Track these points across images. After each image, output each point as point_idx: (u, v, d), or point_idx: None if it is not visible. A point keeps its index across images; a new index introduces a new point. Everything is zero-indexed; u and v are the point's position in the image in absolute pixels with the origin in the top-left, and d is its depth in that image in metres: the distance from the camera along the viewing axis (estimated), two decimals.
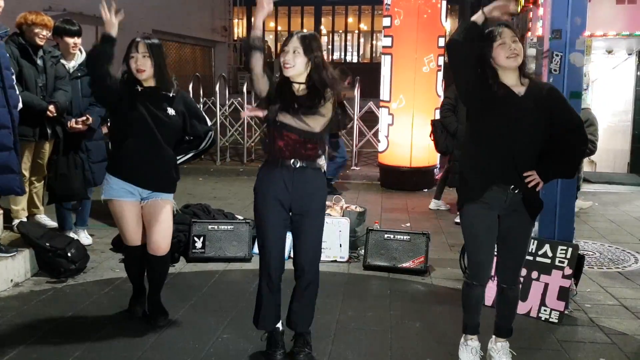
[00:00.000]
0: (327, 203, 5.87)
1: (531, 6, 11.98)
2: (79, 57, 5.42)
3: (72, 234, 5.43)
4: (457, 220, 6.50)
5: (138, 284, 4.15)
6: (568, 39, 4.27)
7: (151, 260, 3.93)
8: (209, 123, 4.10)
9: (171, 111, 3.81)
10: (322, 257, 5.29)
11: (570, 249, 4.26)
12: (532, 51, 9.99)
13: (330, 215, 5.61)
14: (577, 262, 4.32)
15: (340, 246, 5.43)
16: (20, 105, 4.57)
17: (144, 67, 3.71)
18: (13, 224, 5.31)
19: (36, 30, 5.04)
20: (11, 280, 4.61)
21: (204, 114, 4.13)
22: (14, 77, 4.62)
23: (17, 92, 4.58)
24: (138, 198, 3.86)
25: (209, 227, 5.44)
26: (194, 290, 4.66)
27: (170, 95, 3.83)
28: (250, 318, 4.15)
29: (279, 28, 31.31)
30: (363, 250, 5.36)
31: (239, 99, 11.37)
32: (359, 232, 5.69)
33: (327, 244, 5.39)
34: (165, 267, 4.09)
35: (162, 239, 3.91)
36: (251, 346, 3.72)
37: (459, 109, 6.36)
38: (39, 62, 5.14)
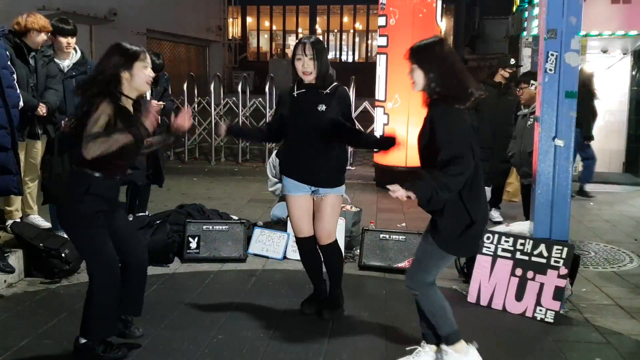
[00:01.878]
0: None
1: (527, 5, 12.00)
2: (74, 56, 5.39)
3: (65, 235, 5.39)
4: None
5: (313, 280, 4.28)
6: (563, 39, 4.26)
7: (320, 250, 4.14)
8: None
9: (322, 107, 3.89)
10: None
11: (565, 249, 4.26)
12: (527, 50, 10.02)
13: None
14: (573, 262, 4.32)
15: None
16: (21, 104, 4.55)
17: (310, 69, 3.85)
18: (7, 224, 5.28)
19: (43, 36, 5.03)
20: (5, 281, 4.58)
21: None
22: (14, 76, 4.59)
23: (18, 92, 4.55)
24: (308, 192, 4.02)
25: (204, 227, 5.42)
26: (189, 291, 4.64)
27: (325, 92, 3.92)
28: (246, 318, 4.14)
29: (274, 27, 31.31)
30: (358, 250, 5.35)
31: (234, 98, 11.35)
32: (355, 232, 5.68)
33: None
34: (334, 256, 4.19)
35: (321, 230, 4.06)
36: (246, 347, 3.71)
37: (481, 108, 6.32)
38: (31, 61, 5.12)
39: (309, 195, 4.04)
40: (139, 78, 3.35)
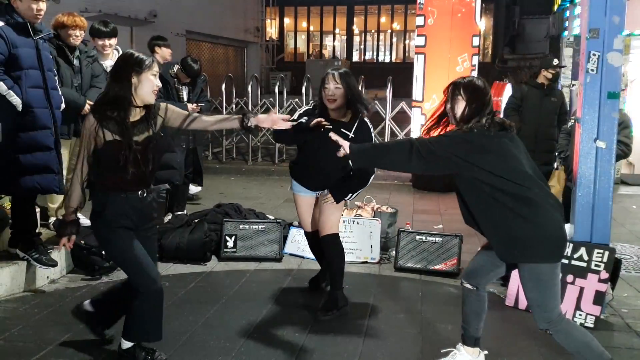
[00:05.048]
0: (358, 204, 5.88)
1: (568, 4, 11.77)
2: (116, 57, 5.50)
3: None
4: None
5: (320, 262, 4.69)
6: (606, 38, 4.18)
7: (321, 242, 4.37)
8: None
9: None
10: (353, 258, 5.31)
11: (606, 253, 4.17)
12: (568, 50, 9.83)
13: (362, 216, 5.59)
14: (614, 266, 4.23)
15: (371, 247, 5.40)
16: (62, 105, 4.66)
17: (334, 96, 4.00)
18: (49, 221, 5.41)
19: (70, 32, 5.14)
20: (47, 277, 4.70)
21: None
22: (56, 78, 4.71)
23: (60, 93, 4.66)
24: (313, 194, 4.35)
25: (241, 226, 5.47)
26: (226, 289, 4.70)
27: (350, 135, 4.02)
28: (281, 317, 4.16)
29: (312, 28, 31.37)
30: (394, 252, 5.33)
31: (271, 99, 11.42)
32: (390, 234, 5.66)
33: (358, 244, 5.38)
34: (333, 250, 4.31)
35: (320, 222, 4.30)
36: (281, 346, 3.73)
37: (524, 109, 6.34)
38: (75, 62, 5.24)
39: (314, 197, 4.36)
40: (146, 86, 3.22)
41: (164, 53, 6.88)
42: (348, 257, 5.24)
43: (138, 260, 3.31)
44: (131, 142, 3.20)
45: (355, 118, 4.09)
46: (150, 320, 3.40)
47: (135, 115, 3.27)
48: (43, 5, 4.28)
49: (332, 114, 4.07)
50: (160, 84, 3.36)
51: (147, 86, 3.22)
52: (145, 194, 3.33)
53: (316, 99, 4.27)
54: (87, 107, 5.17)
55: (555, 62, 6.64)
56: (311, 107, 4.30)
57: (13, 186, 4.35)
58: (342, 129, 3.95)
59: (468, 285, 3.39)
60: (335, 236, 4.28)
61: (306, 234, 4.57)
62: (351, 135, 4.00)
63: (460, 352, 3.45)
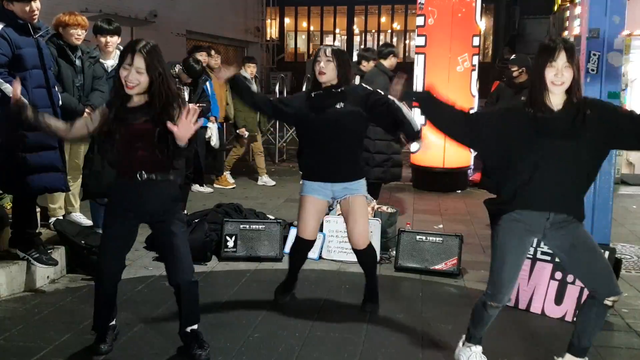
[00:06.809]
0: None
1: (569, 4, 11.77)
2: (118, 57, 5.51)
3: None
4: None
5: (294, 274, 4.44)
6: (606, 38, 4.18)
7: (356, 254, 4.29)
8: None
9: (340, 104, 4.04)
10: (353, 258, 5.29)
11: (606, 253, 4.16)
12: None
13: None
14: (614, 266, 4.22)
15: None
16: (60, 102, 4.67)
17: (325, 70, 4.03)
18: (50, 221, 5.41)
19: (71, 31, 5.14)
20: (47, 277, 4.70)
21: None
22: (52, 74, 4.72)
23: (57, 91, 4.67)
24: (328, 197, 4.16)
25: (241, 226, 5.47)
26: (226, 289, 4.70)
27: (340, 90, 4.07)
28: (282, 317, 4.16)
29: (312, 28, 31.37)
30: (394, 252, 5.33)
31: (271, 99, 11.40)
32: (391, 234, 5.66)
33: None
34: (373, 257, 4.33)
35: (359, 234, 4.15)
36: (281, 346, 3.73)
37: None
38: (77, 62, 5.24)
39: (327, 202, 4.22)
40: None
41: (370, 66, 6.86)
42: (348, 257, 5.26)
43: (103, 239, 3.48)
44: (116, 124, 3.28)
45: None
46: (100, 308, 3.56)
47: (135, 101, 3.33)
48: (35, 5, 4.26)
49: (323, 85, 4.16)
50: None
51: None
52: (144, 177, 3.33)
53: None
54: (88, 111, 5.18)
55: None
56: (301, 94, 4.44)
57: (21, 186, 4.34)
58: (332, 89, 4.08)
59: (505, 303, 3.35)
60: (372, 245, 4.32)
61: (301, 240, 4.23)
62: (341, 89, 4.09)
63: (475, 353, 3.46)
